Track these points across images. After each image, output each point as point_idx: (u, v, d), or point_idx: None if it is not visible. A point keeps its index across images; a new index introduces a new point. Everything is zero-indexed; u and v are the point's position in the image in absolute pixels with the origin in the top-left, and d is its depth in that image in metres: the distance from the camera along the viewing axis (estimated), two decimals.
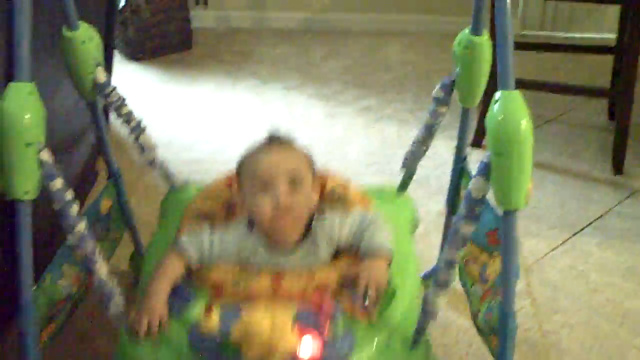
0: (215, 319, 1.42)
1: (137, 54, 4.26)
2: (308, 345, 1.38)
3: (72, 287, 1.62)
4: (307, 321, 1.41)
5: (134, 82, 3.95)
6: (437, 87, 1.79)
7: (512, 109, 1.22)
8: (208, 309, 1.42)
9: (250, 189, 1.60)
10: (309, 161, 1.66)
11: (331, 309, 1.39)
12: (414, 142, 1.94)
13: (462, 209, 1.32)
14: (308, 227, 1.63)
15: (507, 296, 1.37)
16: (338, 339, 1.41)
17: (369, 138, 3.35)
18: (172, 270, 1.59)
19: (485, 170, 1.27)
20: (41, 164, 1.33)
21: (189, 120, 3.56)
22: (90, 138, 2.80)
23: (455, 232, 1.34)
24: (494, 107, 1.24)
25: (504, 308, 1.38)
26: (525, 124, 1.21)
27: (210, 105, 3.74)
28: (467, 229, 1.33)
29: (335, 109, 3.65)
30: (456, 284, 2.19)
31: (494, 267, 1.63)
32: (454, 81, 1.76)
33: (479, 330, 1.62)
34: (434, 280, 1.40)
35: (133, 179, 2.78)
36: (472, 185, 1.30)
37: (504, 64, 1.24)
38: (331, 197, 1.82)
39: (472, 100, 1.80)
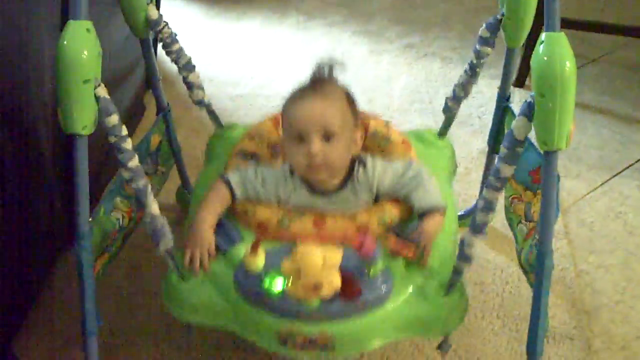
0: (261, 257, 1.47)
1: None
2: (350, 284, 1.43)
3: (123, 220, 1.68)
4: (349, 261, 1.44)
5: (180, 18, 3.97)
6: (483, 26, 1.79)
7: (557, 51, 1.24)
8: (254, 248, 1.46)
9: (288, 136, 1.61)
10: (350, 106, 1.64)
11: (372, 248, 1.42)
12: (455, 86, 1.93)
13: (503, 149, 1.34)
14: (350, 171, 1.65)
15: (544, 235, 1.40)
16: (377, 279, 1.45)
17: (412, 75, 3.35)
18: (219, 201, 1.64)
19: (529, 111, 1.29)
20: (98, 99, 1.37)
21: (234, 56, 3.58)
22: (139, 73, 2.85)
23: (496, 173, 1.36)
24: (539, 49, 1.25)
25: (541, 247, 1.41)
26: (569, 66, 1.23)
27: (256, 41, 3.76)
28: (508, 170, 1.35)
29: (379, 46, 3.65)
30: (494, 223, 2.24)
31: (538, 205, 1.65)
32: (500, 20, 1.76)
33: (522, 268, 1.65)
34: (472, 223, 1.42)
35: (180, 114, 2.81)
36: (515, 125, 1.32)
37: (550, 6, 1.25)
38: (373, 138, 1.84)
39: (517, 40, 1.80)
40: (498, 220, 2.16)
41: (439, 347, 1.67)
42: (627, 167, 2.69)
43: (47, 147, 1.88)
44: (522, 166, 1.71)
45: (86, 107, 1.35)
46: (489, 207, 1.38)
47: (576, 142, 2.78)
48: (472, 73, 1.85)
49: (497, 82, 1.96)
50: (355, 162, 1.66)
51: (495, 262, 2.21)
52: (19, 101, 1.72)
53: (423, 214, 1.59)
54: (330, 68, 1.67)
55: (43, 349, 1.91)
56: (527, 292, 2.02)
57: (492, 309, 2.05)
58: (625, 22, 3.47)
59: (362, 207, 1.63)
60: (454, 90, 1.94)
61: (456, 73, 1.95)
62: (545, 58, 1.24)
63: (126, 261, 2.16)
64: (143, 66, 2.87)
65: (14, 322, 1.89)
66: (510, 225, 1.83)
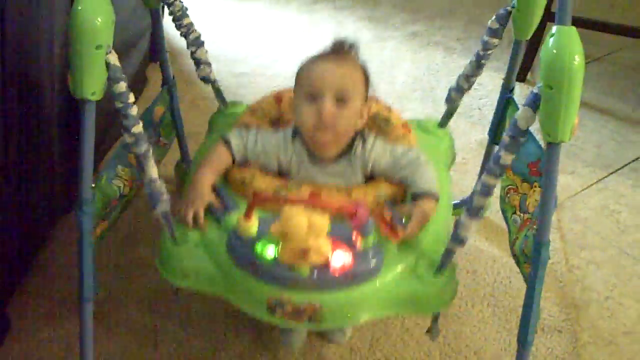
0: (254, 223, 1.47)
1: None
2: (340, 255, 1.44)
3: (124, 188, 1.70)
4: (341, 233, 1.46)
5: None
6: (493, 18, 1.80)
7: (568, 44, 1.25)
8: (247, 214, 1.46)
9: (300, 96, 1.64)
10: (364, 80, 1.67)
11: (365, 218, 1.42)
12: (459, 76, 1.95)
13: (505, 137, 1.35)
14: (350, 145, 1.67)
15: (543, 226, 1.41)
16: (369, 252, 1.46)
17: (415, 63, 3.36)
18: (219, 161, 1.67)
19: (534, 102, 1.31)
20: (108, 66, 1.38)
21: (240, 35, 3.59)
22: (143, 45, 2.86)
23: (497, 160, 1.37)
24: (550, 41, 1.27)
25: (539, 237, 1.42)
26: (578, 59, 1.24)
27: (262, 21, 3.76)
28: (508, 157, 1.36)
29: (384, 33, 3.66)
30: (489, 214, 2.26)
31: (534, 197, 1.67)
32: (510, 12, 1.77)
33: (515, 258, 1.67)
34: (468, 204, 1.43)
35: (181, 88, 2.81)
36: (519, 115, 1.33)
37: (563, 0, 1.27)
38: (374, 119, 1.86)
39: (526, 32, 1.82)
40: (492, 211, 2.20)
41: (428, 331, 1.69)
42: (623, 166, 2.70)
43: (52, 112, 1.89)
44: (521, 158, 1.72)
45: (97, 73, 1.37)
46: (486, 191, 1.40)
47: (574, 138, 2.75)
48: (478, 65, 1.86)
49: (499, 75, 1.98)
50: (357, 136, 1.68)
51: (489, 252, 2.23)
52: (28, 65, 1.73)
53: (416, 197, 1.61)
54: (352, 44, 1.70)
55: (37, 312, 1.93)
56: (518, 284, 2.06)
57: (482, 297, 2.07)
58: (632, 23, 3.48)
59: (355, 182, 1.66)
60: (457, 82, 1.95)
61: (459, 63, 1.97)
62: (555, 51, 1.25)
63: (122, 231, 2.19)
64: (147, 39, 2.88)
65: (9, 283, 1.90)
66: (504, 215, 1.84)
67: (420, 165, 1.66)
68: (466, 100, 2.78)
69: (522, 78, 3.16)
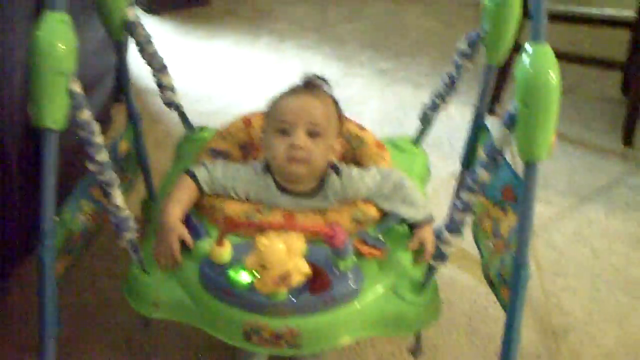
0: (227, 249, 1.44)
1: (155, 7, 4.24)
2: (319, 276, 1.41)
3: (88, 223, 1.65)
4: (319, 256, 1.43)
5: (151, 34, 3.94)
6: (463, 39, 1.79)
7: (543, 62, 1.24)
8: (219, 241, 1.43)
9: (271, 131, 1.61)
10: (337, 114, 1.67)
11: (343, 240, 1.40)
12: (432, 95, 1.94)
13: (483, 155, 1.34)
14: (323, 180, 1.64)
15: (522, 247, 1.40)
16: (347, 275, 1.44)
17: (384, 99, 3.35)
18: (186, 194, 1.61)
19: (510, 121, 1.29)
20: (71, 94, 1.34)
21: (205, 74, 3.56)
22: (107, 83, 2.81)
23: (474, 177, 1.36)
24: (524, 59, 1.25)
25: (518, 259, 1.40)
26: (554, 77, 1.23)
27: (228, 60, 3.74)
28: (485, 175, 1.35)
29: (352, 70, 3.65)
30: (463, 244, 2.23)
31: (507, 222, 1.64)
32: (480, 36, 1.77)
33: (490, 284, 1.64)
34: (449, 222, 1.42)
35: (147, 126, 2.78)
36: (496, 135, 1.31)
37: (537, 17, 1.26)
38: (347, 139, 1.84)
39: (498, 57, 1.82)
40: (466, 240, 2.17)
41: (411, 350, 1.66)
42: (595, 194, 2.72)
43: (12, 147, 1.83)
44: (494, 183, 1.71)
45: (58, 100, 1.33)
46: (466, 207, 1.39)
47: (545, 167, 2.77)
48: (451, 84, 1.86)
49: (468, 108, 1.97)
50: (330, 170, 1.65)
51: (464, 281, 2.21)
52: None
53: (416, 226, 1.62)
54: (323, 78, 1.71)
55: None
56: (495, 312, 2.03)
57: (459, 326, 2.04)
58: (596, 53, 3.52)
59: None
60: (431, 99, 1.94)
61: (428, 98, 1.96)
62: (531, 69, 1.24)
63: (88, 270, 2.14)
64: (112, 77, 2.84)
65: None
66: (477, 242, 1.83)
67: (407, 194, 1.64)
68: (436, 132, 2.79)
69: (492, 111, 3.16)
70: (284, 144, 1.57)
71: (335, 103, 1.68)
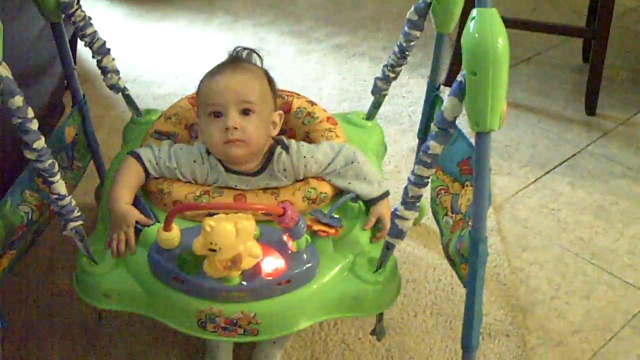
0: (176, 234, 1.39)
1: None
2: (272, 258, 1.38)
3: (33, 213, 1.59)
4: (271, 237, 1.40)
5: (103, 18, 3.85)
6: (412, 9, 1.75)
7: (489, 27, 1.18)
8: (167, 226, 1.38)
9: (203, 114, 1.56)
10: (269, 86, 1.61)
11: (295, 218, 1.35)
12: (384, 66, 1.90)
13: (434, 127, 1.29)
14: (270, 155, 1.59)
15: (478, 221, 1.35)
16: (302, 255, 1.40)
17: (341, 75, 3.29)
18: (133, 177, 1.57)
19: (460, 91, 1.24)
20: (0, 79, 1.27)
21: (159, 56, 3.47)
22: (57, 71, 2.73)
23: (426, 150, 1.30)
24: (470, 25, 1.20)
25: (475, 234, 1.35)
26: (501, 42, 1.17)
27: (182, 41, 3.65)
28: (437, 147, 1.29)
29: (308, 46, 3.58)
30: (425, 221, 2.20)
31: (466, 197, 1.61)
32: (429, 4, 1.72)
33: (450, 261, 1.61)
34: (403, 197, 1.38)
35: (101, 112, 2.72)
36: (445, 106, 1.27)
37: None
38: (297, 115, 1.80)
39: (447, 25, 1.77)
40: (429, 217, 2.13)
41: (373, 332, 1.64)
42: (559, 164, 2.68)
43: None
44: (451, 157, 1.68)
45: None
46: (419, 182, 1.34)
47: (508, 140, 2.77)
48: (402, 55, 1.82)
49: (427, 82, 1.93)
50: (276, 146, 1.60)
51: (427, 260, 2.17)
52: None
53: (373, 202, 1.58)
54: (249, 51, 1.66)
55: None
56: (460, 290, 2.00)
57: (424, 306, 2.01)
58: (556, 22, 3.48)
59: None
60: (383, 71, 1.91)
61: None
62: (477, 35, 1.19)
63: (43, 263, 2.10)
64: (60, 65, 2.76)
65: None
66: (436, 217, 1.79)
67: (361, 170, 1.59)
68: (396, 108, 2.76)
69: (450, 83, 3.11)
70: (218, 127, 1.52)
71: (267, 75, 1.63)
